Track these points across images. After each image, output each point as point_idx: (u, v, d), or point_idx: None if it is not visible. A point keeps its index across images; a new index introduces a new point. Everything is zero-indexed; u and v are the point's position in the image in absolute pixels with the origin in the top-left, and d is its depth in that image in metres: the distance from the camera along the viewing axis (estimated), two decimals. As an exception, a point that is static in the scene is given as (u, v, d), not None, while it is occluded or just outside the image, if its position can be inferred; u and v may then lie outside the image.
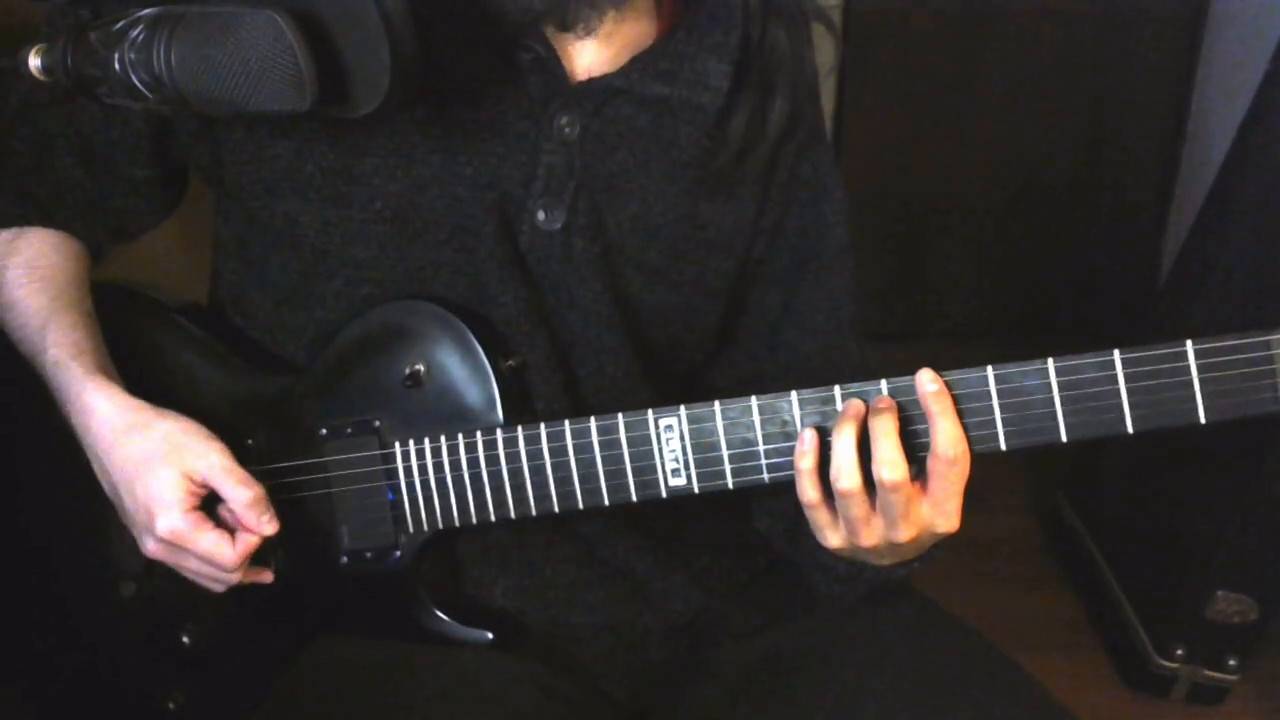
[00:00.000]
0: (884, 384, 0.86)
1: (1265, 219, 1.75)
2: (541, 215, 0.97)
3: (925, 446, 0.84)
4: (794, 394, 0.88)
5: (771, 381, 1.04)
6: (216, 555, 0.94)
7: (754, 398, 0.88)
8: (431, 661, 0.98)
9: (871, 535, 0.86)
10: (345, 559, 0.99)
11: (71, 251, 1.05)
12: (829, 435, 0.86)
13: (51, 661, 1.09)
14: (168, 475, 0.93)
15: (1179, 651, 1.90)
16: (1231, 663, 1.89)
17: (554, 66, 0.95)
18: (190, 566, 0.97)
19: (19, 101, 1.02)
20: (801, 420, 0.88)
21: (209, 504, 0.96)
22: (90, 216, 1.05)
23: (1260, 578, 1.82)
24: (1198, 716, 1.94)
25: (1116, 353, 0.81)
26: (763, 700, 1.01)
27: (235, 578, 0.96)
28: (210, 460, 0.94)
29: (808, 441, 0.86)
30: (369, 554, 0.99)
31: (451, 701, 0.96)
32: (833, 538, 0.89)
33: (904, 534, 0.85)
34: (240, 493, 0.94)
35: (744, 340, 1.09)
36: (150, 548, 0.96)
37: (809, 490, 0.86)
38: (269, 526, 0.95)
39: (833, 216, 1.07)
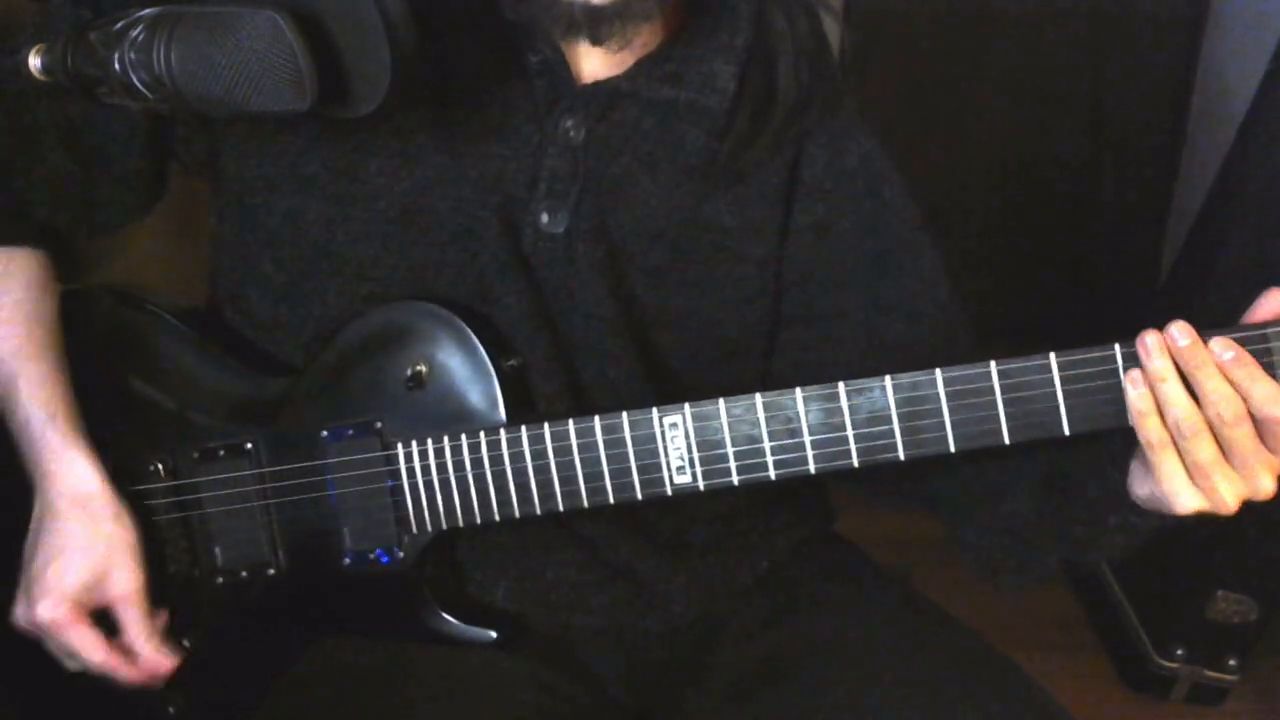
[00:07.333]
0: (888, 380, 0.85)
1: (1265, 219, 1.75)
2: (545, 218, 0.97)
3: (930, 444, 0.84)
4: (798, 390, 0.87)
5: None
6: (81, 652, 0.97)
7: (758, 395, 0.88)
8: (433, 662, 0.98)
9: (1229, 483, 0.82)
10: (348, 560, 0.99)
11: (38, 279, 1.02)
12: (839, 430, 0.85)
13: (50, 665, 1.09)
14: (81, 571, 0.96)
15: (1179, 651, 1.90)
16: (1231, 663, 1.89)
17: (561, 70, 0.95)
18: (50, 646, 0.99)
19: (8, 90, 0.99)
20: (807, 416, 0.87)
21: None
22: (73, 209, 1.03)
23: (1260, 578, 1.82)
24: (1198, 716, 1.94)
25: (1117, 346, 0.82)
26: (763, 701, 1.00)
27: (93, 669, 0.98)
28: (125, 583, 0.97)
29: (1142, 380, 0.81)
30: (372, 555, 0.99)
31: (453, 702, 0.96)
32: (1184, 491, 0.82)
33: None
34: (138, 625, 0.98)
35: (835, 349, 1.04)
36: (19, 613, 0.97)
37: (1154, 430, 0.81)
38: (164, 661, 0.99)
39: (897, 201, 1.04)
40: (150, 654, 0.98)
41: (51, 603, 0.95)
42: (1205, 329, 0.81)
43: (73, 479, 0.97)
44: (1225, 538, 1.79)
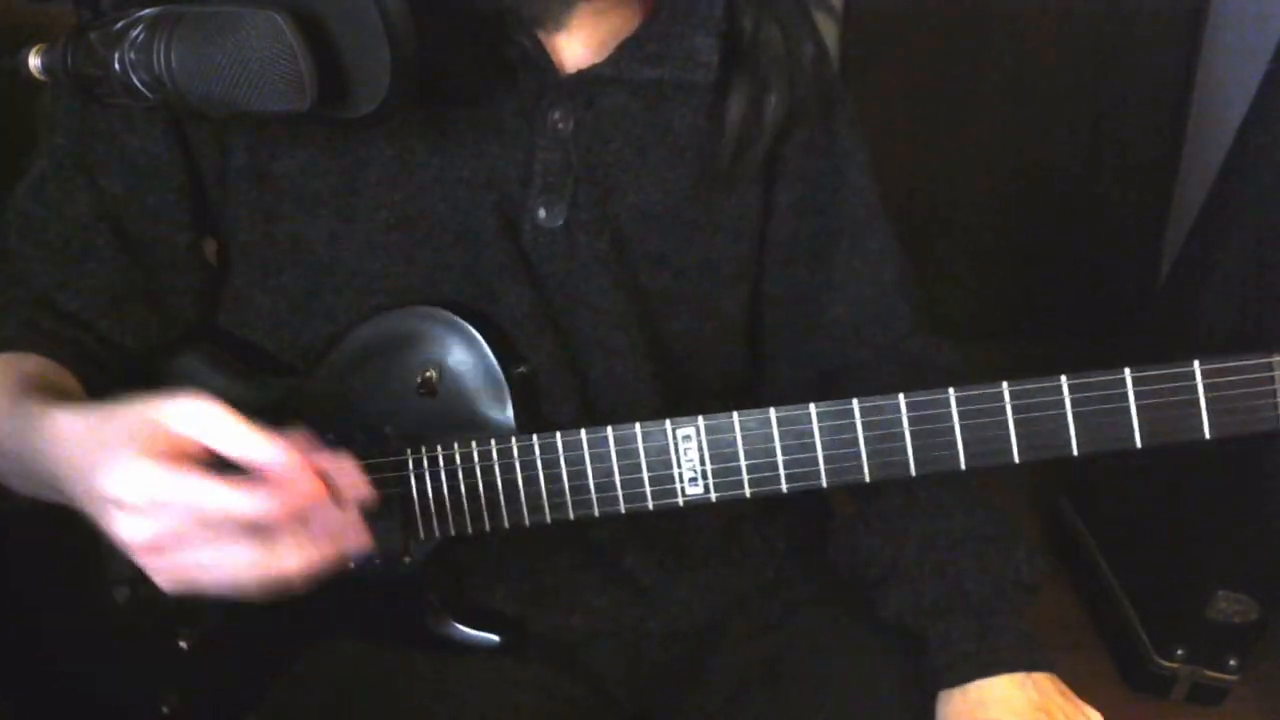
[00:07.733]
0: (901, 398, 0.86)
1: (1265, 219, 1.75)
2: (542, 213, 0.97)
3: (941, 461, 0.86)
4: (812, 406, 0.88)
5: (830, 367, 1.06)
6: (202, 499, 0.67)
7: (773, 409, 0.89)
8: (432, 664, 0.98)
9: None
10: (352, 564, 0.99)
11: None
12: (852, 446, 0.87)
13: (42, 665, 1.08)
14: (137, 422, 0.69)
15: (1179, 651, 1.91)
16: (1231, 663, 1.89)
17: (542, 61, 0.94)
18: (165, 562, 0.70)
19: (53, 193, 0.95)
20: (820, 432, 0.88)
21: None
22: (139, 306, 0.98)
23: (1260, 578, 1.82)
24: (1198, 716, 1.95)
25: (1128, 371, 0.84)
26: (763, 702, 1.00)
27: (267, 511, 0.68)
28: (186, 402, 0.70)
29: None
30: (377, 560, 0.98)
31: (452, 704, 0.96)
32: None
33: None
34: (235, 422, 0.69)
35: (790, 331, 1.08)
36: (124, 533, 0.68)
37: None
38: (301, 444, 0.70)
39: (859, 180, 1.06)
40: (274, 448, 0.70)
41: (118, 469, 0.67)
42: (1206, 355, 0.83)
43: (67, 415, 0.74)
44: (1225, 538, 1.79)
